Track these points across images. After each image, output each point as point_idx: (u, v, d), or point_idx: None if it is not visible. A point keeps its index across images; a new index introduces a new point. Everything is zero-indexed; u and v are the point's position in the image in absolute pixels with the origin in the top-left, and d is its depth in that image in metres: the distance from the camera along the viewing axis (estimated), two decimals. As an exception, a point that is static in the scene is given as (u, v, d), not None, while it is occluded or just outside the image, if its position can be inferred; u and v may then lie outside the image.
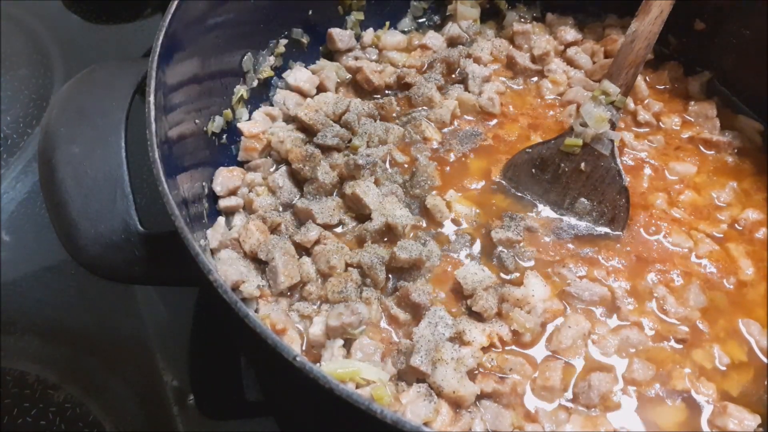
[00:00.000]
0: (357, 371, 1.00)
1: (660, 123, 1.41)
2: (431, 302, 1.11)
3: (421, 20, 1.60)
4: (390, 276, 1.15)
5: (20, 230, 1.47)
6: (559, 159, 1.26)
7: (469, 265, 1.15)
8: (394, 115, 1.38)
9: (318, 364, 1.04)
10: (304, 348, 1.08)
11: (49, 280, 1.40)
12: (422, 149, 1.31)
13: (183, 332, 1.33)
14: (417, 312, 1.10)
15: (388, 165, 1.28)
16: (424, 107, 1.38)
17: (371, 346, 1.06)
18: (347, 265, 1.15)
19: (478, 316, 1.10)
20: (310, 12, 1.42)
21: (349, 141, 1.29)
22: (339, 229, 1.21)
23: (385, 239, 1.18)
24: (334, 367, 1.00)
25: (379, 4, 1.52)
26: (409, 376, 1.03)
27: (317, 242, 1.17)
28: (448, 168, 1.31)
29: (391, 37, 1.52)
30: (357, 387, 1.00)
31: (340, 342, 1.06)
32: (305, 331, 1.08)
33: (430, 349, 1.03)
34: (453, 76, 1.46)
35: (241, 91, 1.30)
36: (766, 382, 1.09)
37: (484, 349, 1.07)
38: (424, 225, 1.22)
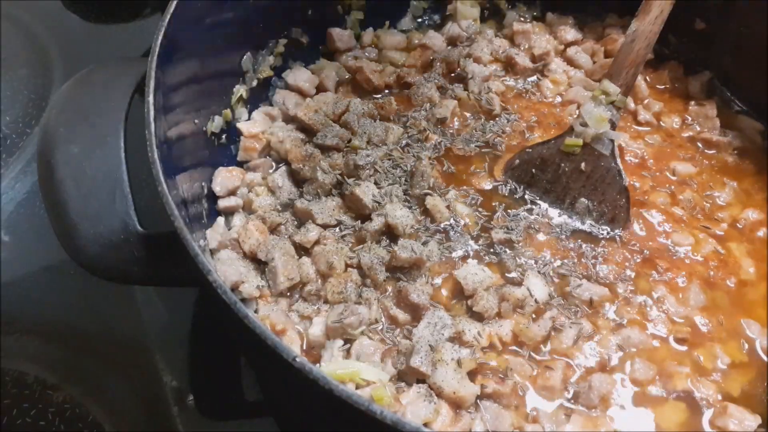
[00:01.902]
0: (357, 372, 1.00)
1: (660, 123, 1.41)
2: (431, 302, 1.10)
3: (420, 20, 1.59)
4: (389, 276, 1.15)
5: (20, 230, 1.47)
6: (560, 159, 1.25)
7: (469, 265, 1.15)
8: (394, 115, 1.38)
9: (318, 365, 1.04)
10: (304, 348, 1.08)
11: (48, 281, 1.40)
12: (422, 149, 1.31)
13: (183, 332, 1.33)
14: (416, 312, 1.09)
15: (387, 165, 1.27)
16: (424, 107, 1.38)
17: (371, 347, 1.05)
18: (347, 265, 1.15)
19: (478, 316, 1.10)
20: (310, 12, 1.42)
21: (349, 141, 1.29)
22: (338, 230, 1.20)
23: (385, 239, 1.18)
24: (334, 367, 1.00)
25: (379, 3, 1.52)
26: (409, 376, 1.03)
27: (317, 243, 1.17)
28: (448, 168, 1.30)
29: (391, 36, 1.52)
30: (357, 387, 0.99)
31: (340, 342, 1.06)
32: (305, 332, 1.08)
33: (430, 350, 1.03)
34: (453, 75, 1.46)
35: (240, 90, 1.30)
36: (766, 383, 1.08)
37: (485, 350, 1.07)
38: (425, 225, 1.22)
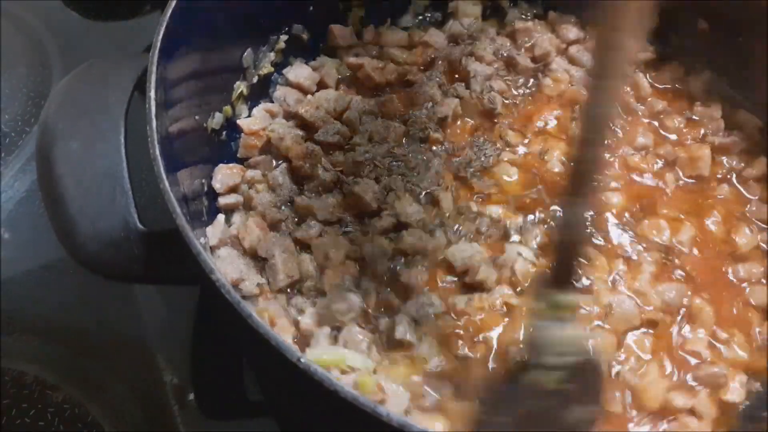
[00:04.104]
0: (342, 358, 0.98)
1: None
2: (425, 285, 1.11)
3: (422, 17, 1.58)
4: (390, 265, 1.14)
5: (20, 229, 1.46)
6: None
7: (459, 244, 1.15)
8: (396, 113, 1.36)
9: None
10: (296, 339, 1.07)
11: (48, 279, 1.39)
12: (424, 147, 1.30)
13: (184, 331, 1.32)
14: (408, 295, 1.10)
15: (388, 161, 1.26)
16: (425, 106, 1.37)
17: (359, 335, 1.05)
18: (347, 258, 1.14)
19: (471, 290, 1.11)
20: (311, 8, 1.41)
21: (350, 138, 1.28)
22: (340, 226, 1.19)
23: (391, 234, 1.18)
24: (319, 352, 1.00)
25: (381, 0, 1.51)
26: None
27: (318, 237, 1.17)
28: (452, 164, 1.30)
29: (393, 33, 1.51)
30: (342, 373, 0.99)
31: (328, 329, 1.06)
32: (297, 322, 1.08)
33: (414, 323, 1.04)
34: (455, 73, 1.45)
35: (241, 87, 1.29)
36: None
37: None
38: (432, 216, 1.21)
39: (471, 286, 1.12)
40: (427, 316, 1.05)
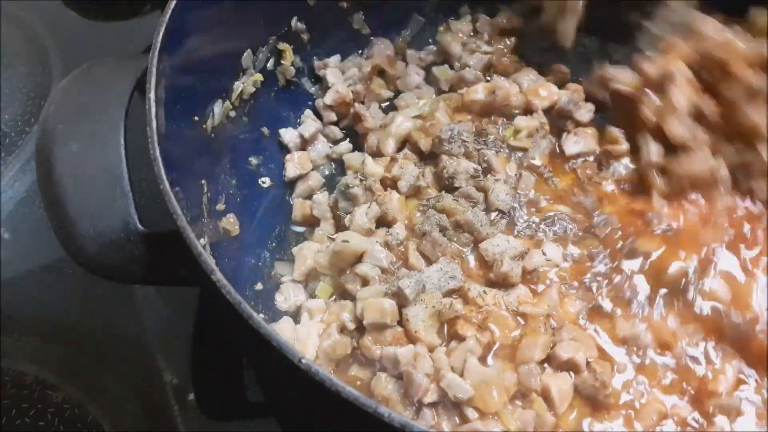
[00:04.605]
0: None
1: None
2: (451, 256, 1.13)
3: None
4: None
5: (20, 229, 1.46)
6: None
7: (496, 237, 1.14)
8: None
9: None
10: None
11: (48, 279, 1.39)
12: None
13: (184, 331, 1.32)
14: (429, 259, 1.12)
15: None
16: None
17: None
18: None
19: (492, 284, 1.11)
20: (311, 8, 1.40)
21: None
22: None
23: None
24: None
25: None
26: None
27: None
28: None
29: None
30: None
31: None
32: None
33: (422, 288, 1.05)
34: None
35: (240, 87, 1.29)
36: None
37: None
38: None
39: (495, 282, 1.11)
40: (441, 287, 1.06)
